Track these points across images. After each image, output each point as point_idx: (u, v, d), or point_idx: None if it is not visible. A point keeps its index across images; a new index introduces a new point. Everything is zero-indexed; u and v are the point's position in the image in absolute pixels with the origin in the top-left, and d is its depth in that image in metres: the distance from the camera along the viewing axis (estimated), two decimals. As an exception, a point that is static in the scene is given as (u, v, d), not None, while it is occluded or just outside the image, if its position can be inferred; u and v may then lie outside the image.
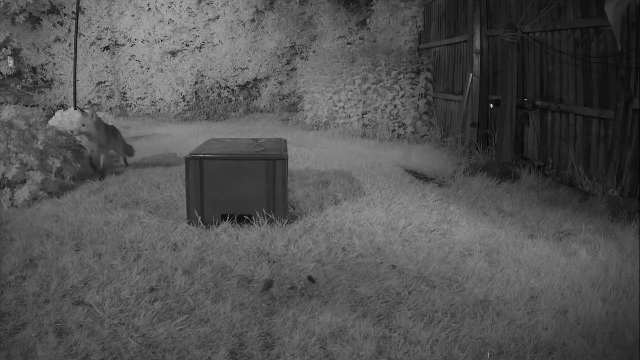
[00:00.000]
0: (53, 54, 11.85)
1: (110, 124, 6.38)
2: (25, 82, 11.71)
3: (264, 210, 3.89)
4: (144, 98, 12.60)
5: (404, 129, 8.83)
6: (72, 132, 5.37)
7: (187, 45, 12.49)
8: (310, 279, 3.00)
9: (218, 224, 3.87)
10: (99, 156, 5.51)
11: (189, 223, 3.90)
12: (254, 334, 2.40)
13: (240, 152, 4.03)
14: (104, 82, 12.37)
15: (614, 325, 2.43)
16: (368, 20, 11.50)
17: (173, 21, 12.31)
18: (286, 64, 12.96)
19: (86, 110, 5.42)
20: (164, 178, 5.40)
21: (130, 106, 12.57)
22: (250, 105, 12.97)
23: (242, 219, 3.95)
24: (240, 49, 12.64)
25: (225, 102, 12.73)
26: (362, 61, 9.12)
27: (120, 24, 12.20)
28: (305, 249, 3.44)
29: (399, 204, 4.45)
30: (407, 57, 9.30)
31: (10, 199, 4.44)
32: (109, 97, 12.45)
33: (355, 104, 9.08)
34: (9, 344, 2.30)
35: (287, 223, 3.89)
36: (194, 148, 4.36)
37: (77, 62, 10.11)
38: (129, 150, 6.30)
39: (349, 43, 12.31)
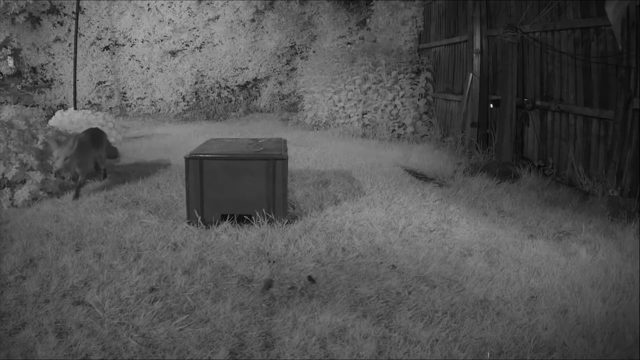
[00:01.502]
0: (53, 54, 11.85)
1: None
2: (25, 82, 11.70)
3: (264, 210, 3.89)
4: (144, 98, 12.60)
5: (404, 129, 8.83)
6: (57, 170, 4.57)
7: (187, 45, 12.49)
8: (310, 279, 3.00)
9: (218, 224, 3.87)
10: (76, 170, 4.72)
11: (189, 223, 3.90)
12: (254, 334, 2.40)
13: (240, 152, 4.03)
14: (104, 82, 12.37)
15: (614, 325, 2.43)
16: (368, 20, 11.50)
17: (173, 21, 12.31)
18: (286, 64, 12.96)
19: (62, 136, 4.75)
20: (164, 178, 5.40)
21: (130, 106, 12.57)
22: (250, 105, 12.97)
23: (242, 219, 3.95)
24: (240, 49, 12.64)
25: (225, 102, 12.73)
26: (362, 61, 9.12)
27: (120, 24, 12.20)
28: (305, 249, 3.44)
29: (399, 204, 4.45)
30: (407, 57, 9.30)
31: (10, 199, 4.44)
32: (109, 97, 12.45)
33: (355, 104, 9.08)
34: (9, 344, 2.30)
35: (287, 223, 3.89)
36: (194, 148, 4.36)
37: (77, 62, 10.12)
38: (113, 153, 5.78)
39: (349, 43, 12.31)
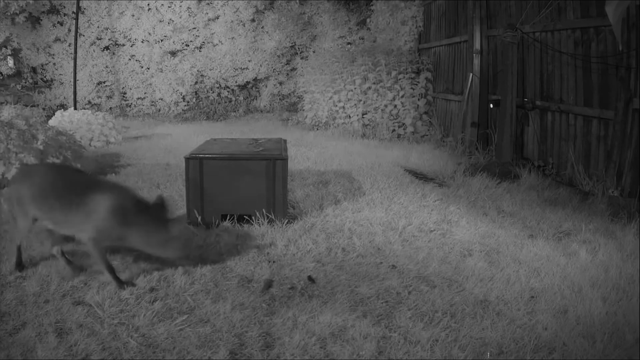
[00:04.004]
0: (53, 54, 11.85)
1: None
2: (25, 82, 11.70)
3: (264, 210, 3.89)
4: (144, 98, 12.59)
5: (404, 129, 8.83)
6: None
7: (187, 45, 12.48)
8: (310, 279, 3.00)
9: (218, 224, 3.87)
10: None
11: (189, 223, 3.90)
12: (254, 334, 2.40)
13: (240, 152, 4.03)
14: (104, 82, 12.36)
15: (614, 325, 2.43)
16: (368, 20, 11.50)
17: (173, 21, 12.31)
18: (286, 64, 12.95)
19: None
20: (164, 178, 5.40)
21: (130, 106, 12.57)
22: (250, 105, 12.97)
23: (242, 219, 3.94)
24: (240, 49, 12.64)
25: (225, 102, 12.73)
26: (362, 61, 9.12)
27: (120, 24, 12.20)
28: (305, 249, 3.44)
29: (399, 204, 4.45)
30: (407, 57, 9.30)
31: (10, 199, 4.44)
32: (109, 97, 12.44)
33: (356, 104, 9.08)
34: (9, 344, 2.30)
35: (287, 223, 3.89)
36: (194, 148, 4.35)
37: (77, 62, 10.11)
38: None
39: (349, 43, 12.31)
